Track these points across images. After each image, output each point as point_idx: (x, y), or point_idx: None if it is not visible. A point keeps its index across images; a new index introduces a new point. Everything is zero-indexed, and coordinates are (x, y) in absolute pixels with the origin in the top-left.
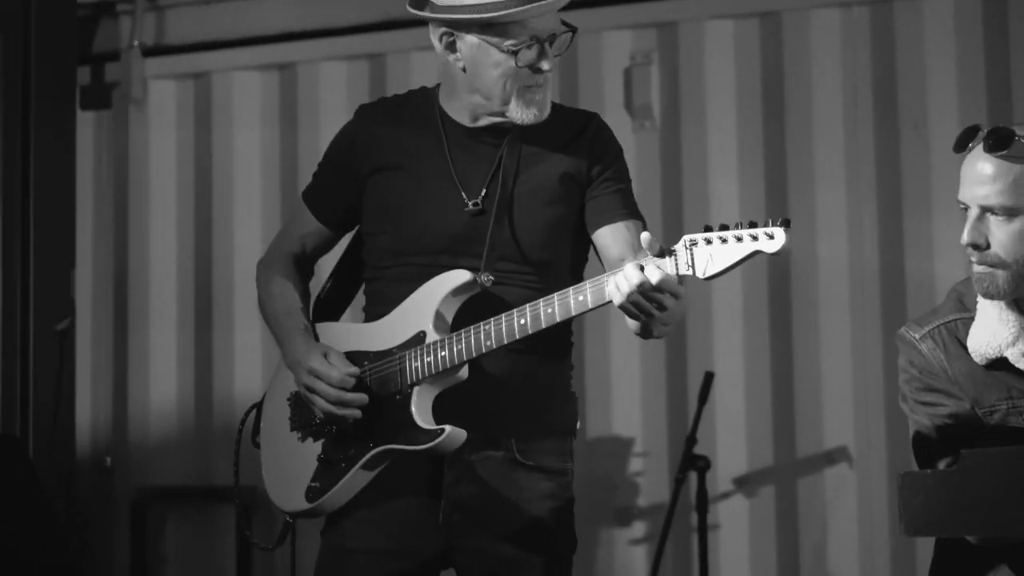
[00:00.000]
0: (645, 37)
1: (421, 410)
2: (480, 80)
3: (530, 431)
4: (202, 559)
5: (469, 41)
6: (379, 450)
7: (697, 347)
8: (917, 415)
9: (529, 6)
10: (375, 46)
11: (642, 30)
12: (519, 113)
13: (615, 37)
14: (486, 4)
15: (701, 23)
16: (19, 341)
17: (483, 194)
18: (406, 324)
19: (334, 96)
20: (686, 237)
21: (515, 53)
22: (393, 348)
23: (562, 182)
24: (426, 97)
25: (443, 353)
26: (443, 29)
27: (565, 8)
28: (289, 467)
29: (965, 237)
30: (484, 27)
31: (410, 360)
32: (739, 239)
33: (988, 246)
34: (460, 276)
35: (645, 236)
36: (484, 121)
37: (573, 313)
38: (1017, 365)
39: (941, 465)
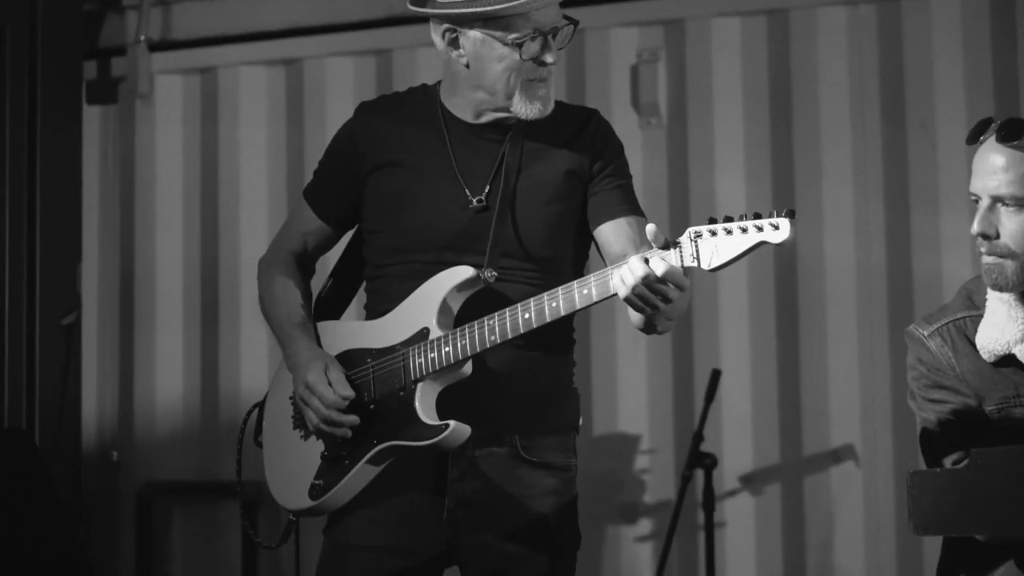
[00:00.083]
0: (652, 34)
1: (425, 406)
2: (484, 75)
3: (534, 427)
4: (208, 554)
5: (472, 36)
6: (383, 446)
7: (703, 344)
8: (925, 412)
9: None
10: (381, 42)
11: (649, 27)
12: (523, 108)
13: (622, 34)
14: None
15: (708, 20)
16: (25, 335)
17: (486, 191)
18: (409, 321)
19: (340, 92)
20: (691, 229)
21: (519, 46)
22: (396, 345)
23: (564, 178)
24: (427, 94)
25: (447, 349)
26: (445, 25)
27: (572, 4)
28: (292, 465)
29: (975, 227)
30: (487, 21)
31: (414, 356)
32: (744, 230)
33: (998, 236)
34: (463, 272)
35: (650, 228)
36: (487, 118)
37: (578, 307)
38: None
39: (948, 463)
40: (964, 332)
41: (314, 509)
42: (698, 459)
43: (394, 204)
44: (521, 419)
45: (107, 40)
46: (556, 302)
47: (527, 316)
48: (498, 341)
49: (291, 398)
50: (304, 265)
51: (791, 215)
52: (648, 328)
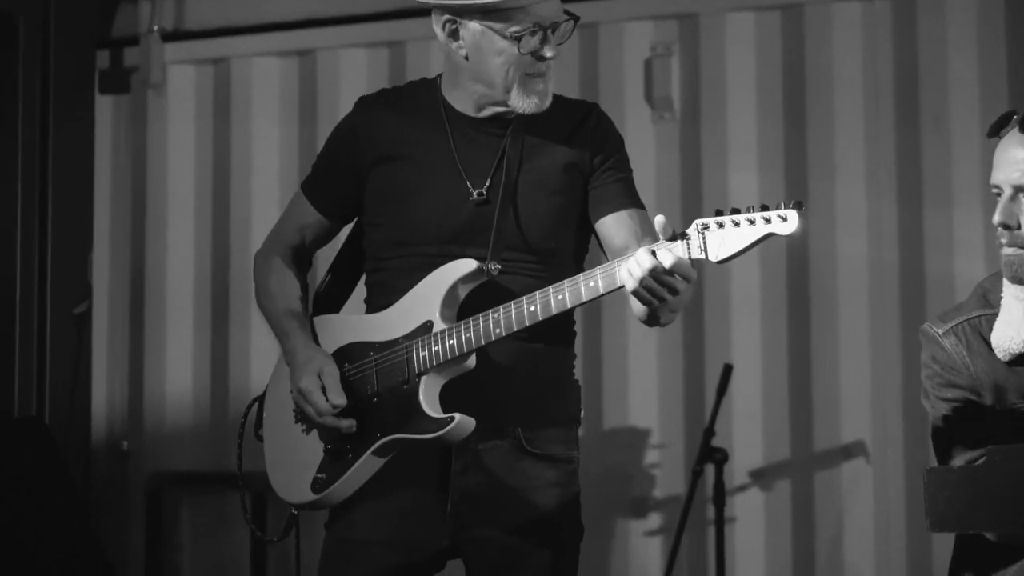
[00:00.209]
0: (666, 28)
1: (429, 399)
2: (482, 68)
3: (536, 420)
4: (216, 544)
5: (472, 28)
6: (387, 440)
7: (715, 339)
8: (938, 411)
9: None
10: (395, 34)
11: (663, 21)
12: (520, 102)
13: (636, 28)
14: None
15: (722, 15)
16: (36, 323)
17: (488, 184)
18: (412, 313)
19: (354, 83)
20: (698, 221)
21: (518, 39)
22: (399, 338)
23: (565, 172)
24: (428, 88)
25: (451, 341)
26: (446, 16)
27: None
28: (294, 459)
29: (997, 217)
30: (487, 13)
31: (417, 349)
32: (752, 222)
33: (1019, 227)
34: (467, 265)
35: (659, 219)
36: (487, 111)
37: (584, 299)
38: None
39: (961, 462)
40: (979, 331)
41: (317, 503)
42: (709, 454)
43: (396, 198)
44: (524, 412)
45: (120, 30)
46: (562, 295)
47: (533, 309)
48: (503, 334)
49: (292, 392)
50: (301, 258)
51: (799, 207)
52: (651, 320)
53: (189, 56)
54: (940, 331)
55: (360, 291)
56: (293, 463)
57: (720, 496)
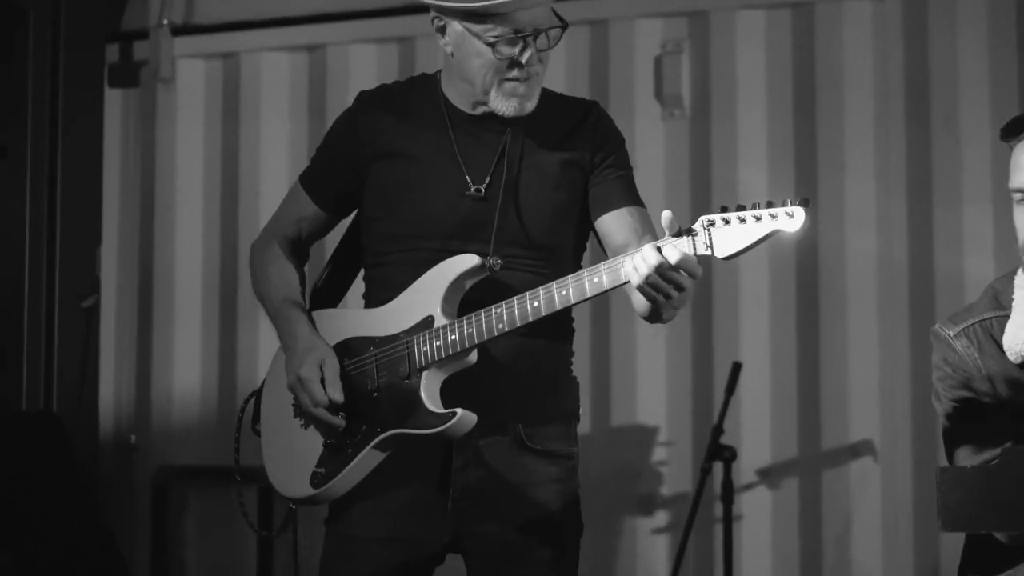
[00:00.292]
0: (676, 26)
1: (430, 394)
2: (464, 67)
3: (536, 416)
4: (222, 538)
5: (455, 27)
6: (387, 435)
7: (723, 337)
8: (949, 413)
9: (502, 0)
10: (405, 29)
11: (673, 19)
12: (499, 104)
13: (646, 25)
14: None
15: (732, 13)
16: (44, 317)
17: (487, 181)
18: (413, 309)
19: (363, 79)
20: (704, 217)
21: (493, 45)
22: (400, 333)
23: (566, 169)
24: (428, 84)
25: (453, 337)
26: (433, 13)
27: None
28: (292, 453)
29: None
30: (467, 15)
31: (418, 344)
32: (758, 219)
33: None
34: (469, 260)
35: (667, 215)
36: (480, 109)
37: (588, 295)
38: None
39: (973, 463)
40: (990, 333)
41: (315, 497)
42: (718, 452)
43: (397, 193)
44: (524, 407)
45: (130, 24)
46: (566, 290)
47: (536, 304)
48: (506, 329)
49: (289, 378)
50: (298, 251)
51: (806, 204)
52: (653, 317)
53: (198, 50)
54: (951, 333)
55: (357, 286)
56: (291, 457)
57: (728, 494)
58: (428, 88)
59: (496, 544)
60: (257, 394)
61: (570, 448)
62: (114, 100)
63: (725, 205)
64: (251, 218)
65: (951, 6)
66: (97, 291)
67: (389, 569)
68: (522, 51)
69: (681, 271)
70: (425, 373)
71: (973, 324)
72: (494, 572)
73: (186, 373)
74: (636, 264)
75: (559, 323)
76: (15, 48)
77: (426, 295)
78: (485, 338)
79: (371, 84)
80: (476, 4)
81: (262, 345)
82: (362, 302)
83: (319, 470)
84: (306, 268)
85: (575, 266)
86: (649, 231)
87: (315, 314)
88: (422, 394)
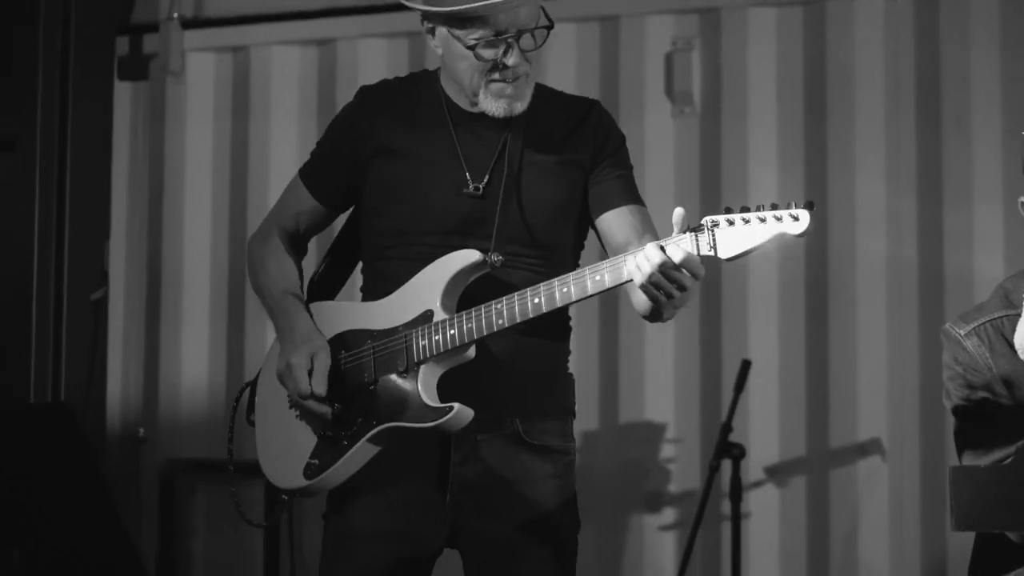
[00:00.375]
0: (687, 23)
1: (427, 388)
2: (452, 70)
3: (534, 411)
4: (228, 531)
5: (440, 31)
6: (383, 427)
7: (732, 335)
8: (960, 412)
9: (481, 3)
10: (415, 24)
11: (684, 16)
12: (488, 105)
13: (657, 22)
14: None
15: (744, 10)
16: (53, 310)
17: (487, 178)
18: (412, 303)
19: (373, 73)
20: (708, 218)
21: (473, 48)
22: (399, 327)
23: (566, 167)
24: (429, 80)
25: (452, 331)
26: (420, 15)
27: None
28: (287, 444)
29: None
30: (448, 20)
31: (417, 338)
32: (763, 220)
33: None
34: (470, 256)
35: (679, 212)
36: (476, 108)
37: (589, 293)
38: None
39: (984, 462)
40: (1001, 332)
41: (308, 489)
42: (726, 449)
43: (398, 188)
44: (522, 403)
45: (140, 16)
46: (567, 287)
47: (537, 301)
48: (506, 325)
49: (279, 364)
50: (296, 244)
51: (810, 207)
52: (653, 316)
53: (208, 44)
54: (962, 332)
55: (354, 280)
56: (285, 448)
57: (737, 492)
58: (429, 84)
59: (494, 540)
60: (252, 385)
61: (567, 444)
62: (123, 93)
63: (729, 206)
64: (260, 211)
65: (963, 4)
66: (105, 284)
67: (388, 563)
68: (506, 53)
69: (684, 270)
70: (423, 367)
71: (984, 323)
72: (492, 568)
73: (194, 366)
74: (639, 263)
75: (557, 320)
76: (25, 40)
77: (426, 290)
78: (484, 333)
79: (381, 79)
80: (453, 8)
81: (270, 339)
82: (358, 295)
83: (313, 461)
84: (303, 262)
85: (574, 264)
86: (649, 230)
87: (313, 306)
88: (419, 388)
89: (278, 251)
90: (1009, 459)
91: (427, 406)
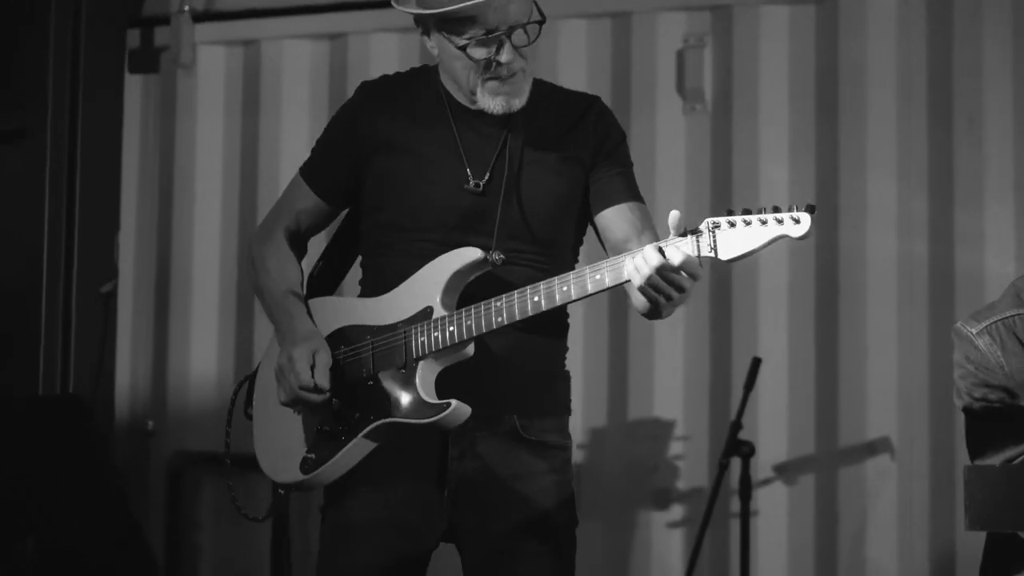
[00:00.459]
0: (699, 20)
1: (426, 384)
2: (448, 69)
3: (531, 408)
4: (235, 524)
5: (434, 32)
6: (380, 423)
7: (742, 333)
8: (972, 411)
9: (469, 2)
10: None
11: (696, 12)
12: (486, 102)
13: (669, 18)
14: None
15: (756, 7)
16: (62, 302)
17: (488, 175)
18: (412, 299)
19: (385, 68)
20: (709, 219)
21: (464, 48)
22: (398, 323)
23: (567, 164)
24: (429, 76)
25: (451, 328)
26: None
27: None
28: (283, 438)
29: None
30: (440, 20)
31: (416, 335)
32: (764, 223)
33: None
34: (471, 253)
35: (674, 214)
36: (475, 105)
37: (589, 292)
38: None
39: (995, 461)
40: (1013, 331)
41: (305, 483)
42: (736, 447)
43: (399, 184)
44: (520, 400)
45: (151, 9)
46: (567, 286)
47: (536, 299)
48: (505, 323)
49: (279, 359)
50: (297, 243)
51: (811, 210)
52: (651, 314)
53: (219, 37)
54: (974, 331)
55: (353, 275)
56: (283, 442)
57: (746, 490)
58: (430, 80)
59: (492, 536)
60: (250, 379)
61: (564, 440)
62: (134, 85)
63: (731, 208)
64: (270, 205)
65: (976, 3)
66: (115, 277)
67: (387, 555)
68: (498, 50)
69: (682, 272)
70: (421, 363)
71: (996, 322)
72: (489, 563)
73: (203, 359)
74: (638, 264)
75: (556, 318)
76: (36, 33)
77: (426, 286)
78: (483, 331)
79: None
80: (442, 9)
81: None
82: (357, 290)
83: (310, 456)
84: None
85: (573, 261)
86: (648, 227)
87: (313, 301)
88: (417, 384)
89: (279, 250)
90: (1020, 458)
91: (425, 402)
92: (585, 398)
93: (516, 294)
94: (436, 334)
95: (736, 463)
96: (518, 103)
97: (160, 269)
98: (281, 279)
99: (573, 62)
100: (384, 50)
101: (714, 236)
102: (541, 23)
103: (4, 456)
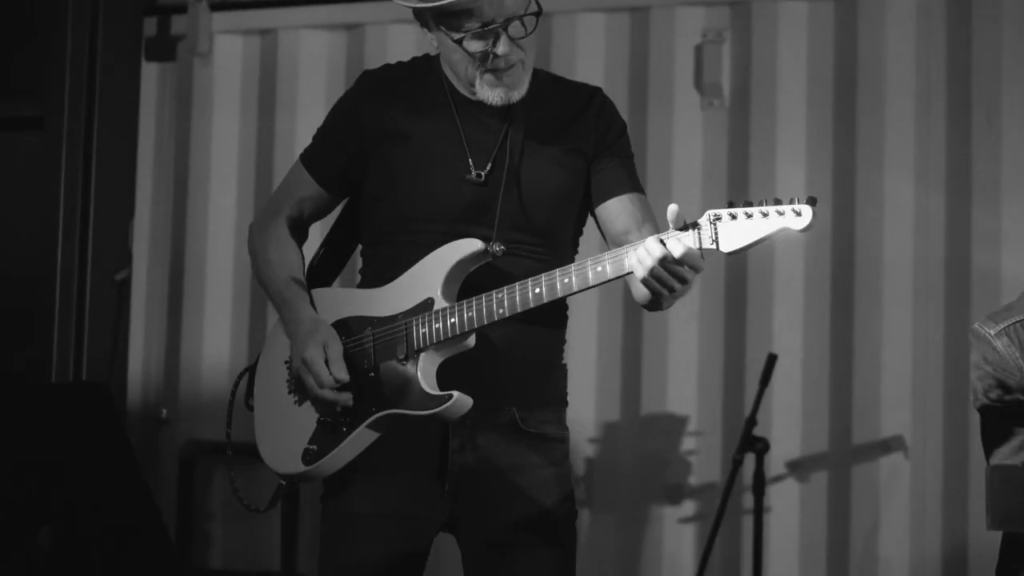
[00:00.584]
0: (718, 15)
1: (427, 376)
2: (448, 62)
3: (531, 400)
4: (247, 513)
5: (432, 26)
6: (382, 414)
7: (756, 329)
8: (989, 412)
9: None
10: None
11: (715, 7)
12: (485, 95)
13: (687, 13)
14: None
15: (775, 3)
16: (76, 289)
17: (489, 166)
18: (413, 290)
19: (401, 58)
20: (710, 212)
21: (460, 42)
22: (399, 314)
23: (569, 155)
24: (431, 65)
25: (452, 320)
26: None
27: None
28: (285, 429)
29: None
30: (437, 14)
31: (417, 326)
32: (765, 215)
33: None
34: (472, 244)
35: (672, 208)
36: (476, 96)
37: (590, 283)
38: None
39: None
40: None
41: (306, 474)
42: (750, 443)
43: (401, 174)
44: (519, 392)
45: None
46: (569, 278)
47: (538, 291)
48: (506, 314)
49: (286, 362)
50: (298, 231)
51: (813, 202)
52: (653, 306)
53: (236, 26)
54: (992, 332)
55: (352, 264)
56: (284, 433)
57: (760, 486)
58: (432, 69)
59: (491, 527)
60: (251, 369)
61: (562, 432)
62: (151, 74)
63: (732, 200)
64: None
65: (995, 1)
66: (130, 264)
67: (389, 544)
68: (495, 43)
69: (685, 264)
70: (422, 355)
71: (1014, 323)
72: (489, 554)
73: (216, 348)
74: (640, 256)
75: (555, 310)
76: (54, 20)
77: (427, 277)
78: (485, 322)
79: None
80: (438, 4)
81: None
82: (357, 279)
83: (311, 447)
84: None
85: (573, 252)
86: (649, 219)
87: (313, 292)
88: (418, 375)
89: (280, 238)
90: None
91: (426, 394)
92: (599, 392)
93: (517, 286)
94: (437, 325)
95: (750, 459)
96: (517, 95)
97: (174, 257)
98: (282, 268)
99: (591, 56)
100: (401, 41)
101: (715, 228)
102: (538, 14)
103: (27, 444)
